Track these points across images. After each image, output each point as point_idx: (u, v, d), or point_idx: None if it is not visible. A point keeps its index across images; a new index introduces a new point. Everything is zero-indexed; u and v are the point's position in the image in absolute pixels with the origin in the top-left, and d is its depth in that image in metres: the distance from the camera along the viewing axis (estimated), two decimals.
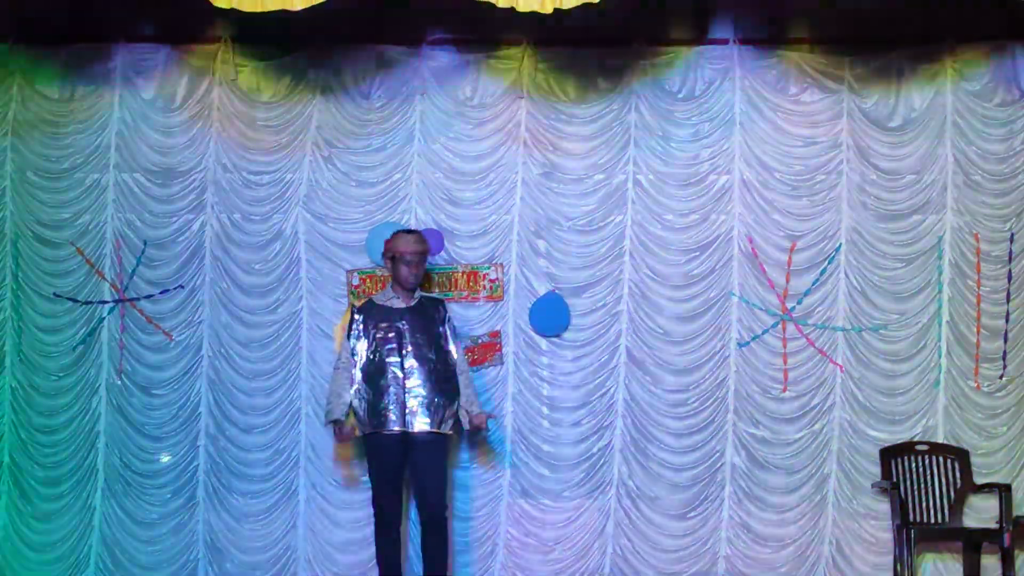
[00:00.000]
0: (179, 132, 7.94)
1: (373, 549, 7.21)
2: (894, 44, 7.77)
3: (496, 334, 7.81)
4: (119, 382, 7.87)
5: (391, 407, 6.98)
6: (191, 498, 7.82)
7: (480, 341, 7.78)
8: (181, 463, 7.83)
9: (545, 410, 7.83)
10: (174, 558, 7.78)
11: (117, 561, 7.78)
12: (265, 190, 7.91)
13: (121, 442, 7.84)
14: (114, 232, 7.91)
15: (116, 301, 7.89)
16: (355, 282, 7.84)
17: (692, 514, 7.75)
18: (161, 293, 7.89)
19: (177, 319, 7.88)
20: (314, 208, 7.89)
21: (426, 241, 7.29)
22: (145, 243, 7.89)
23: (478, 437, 7.64)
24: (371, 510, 7.16)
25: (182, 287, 7.88)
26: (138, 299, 7.89)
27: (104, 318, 7.89)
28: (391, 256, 7.16)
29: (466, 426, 7.17)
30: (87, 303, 7.89)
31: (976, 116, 7.76)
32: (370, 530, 7.37)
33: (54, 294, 7.90)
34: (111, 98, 7.92)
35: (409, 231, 7.32)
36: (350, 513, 7.76)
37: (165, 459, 7.84)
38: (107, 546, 7.80)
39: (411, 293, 7.19)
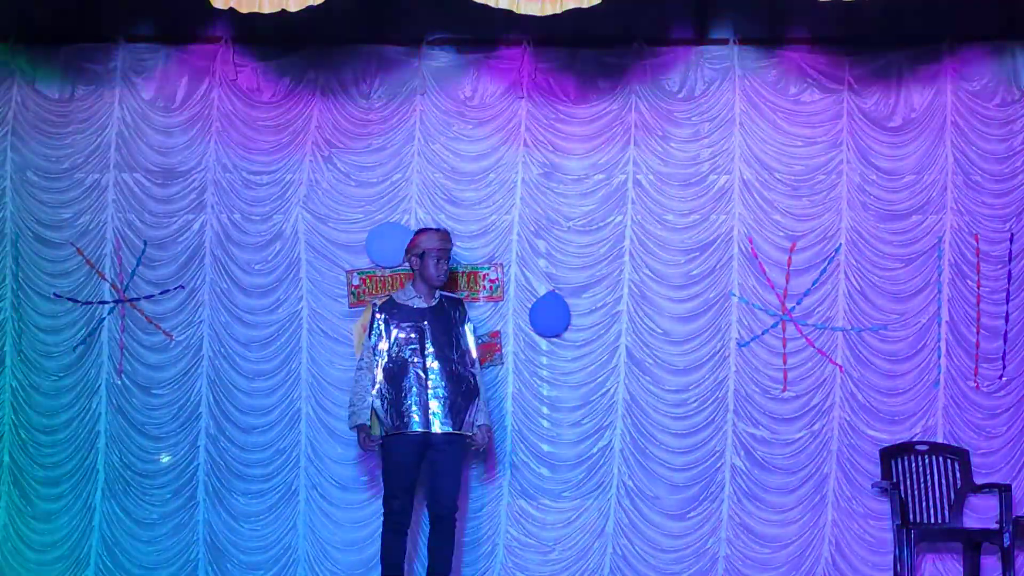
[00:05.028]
0: (179, 132, 7.93)
1: (373, 549, 7.20)
2: (894, 44, 7.77)
3: (496, 334, 7.81)
4: (119, 382, 7.86)
5: (414, 408, 6.91)
6: (191, 498, 7.81)
7: (480, 341, 7.76)
8: (181, 463, 7.82)
9: (545, 410, 7.82)
10: (174, 558, 7.78)
11: (117, 561, 7.77)
12: (265, 190, 7.91)
13: (121, 442, 7.83)
14: (114, 232, 7.90)
15: (116, 301, 7.88)
16: (355, 282, 7.84)
17: (692, 514, 7.74)
18: (161, 293, 7.89)
19: (177, 319, 7.87)
20: (314, 208, 7.88)
21: (451, 238, 7.28)
22: (145, 243, 7.89)
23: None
24: (377, 509, 7.14)
25: (182, 287, 7.87)
26: (138, 299, 7.88)
27: (104, 318, 7.88)
28: (419, 253, 7.08)
29: (469, 432, 7.09)
30: (87, 303, 7.88)
31: (976, 116, 7.75)
32: (369, 531, 7.37)
33: (54, 294, 7.89)
34: (111, 98, 7.91)
35: (435, 228, 7.29)
36: (350, 513, 7.76)
37: (165, 459, 7.83)
38: (107, 546, 7.79)
39: (432, 292, 7.14)
